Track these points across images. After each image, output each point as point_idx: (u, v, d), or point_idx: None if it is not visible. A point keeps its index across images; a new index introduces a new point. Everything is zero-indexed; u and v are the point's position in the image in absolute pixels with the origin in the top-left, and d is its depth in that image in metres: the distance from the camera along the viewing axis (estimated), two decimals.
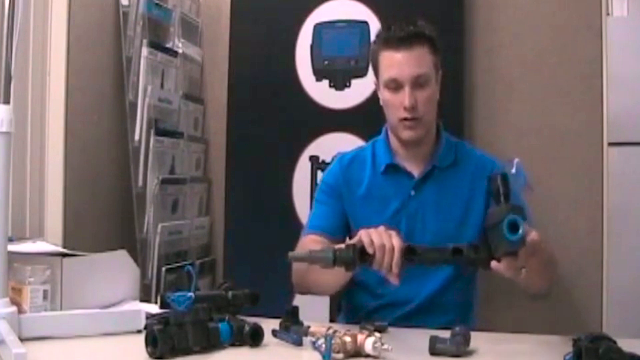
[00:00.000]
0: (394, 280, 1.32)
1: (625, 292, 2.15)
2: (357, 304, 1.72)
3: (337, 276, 1.49)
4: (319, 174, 1.84)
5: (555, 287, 1.60)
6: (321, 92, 2.46)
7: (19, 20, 1.29)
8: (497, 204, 1.24)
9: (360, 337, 1.21)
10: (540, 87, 2.39)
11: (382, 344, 1.19)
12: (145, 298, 1.97)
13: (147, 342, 1.22)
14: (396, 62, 1.60)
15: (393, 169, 1.70)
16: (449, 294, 1.67)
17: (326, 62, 2.46)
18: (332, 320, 1.83)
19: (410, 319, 1.61)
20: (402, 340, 1.35)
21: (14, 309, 1.30)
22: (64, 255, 1.57)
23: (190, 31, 2.62)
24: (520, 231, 1.18)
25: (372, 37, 1.76)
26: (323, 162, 2.40)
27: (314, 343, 1.19)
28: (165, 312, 1.34)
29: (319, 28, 2.47)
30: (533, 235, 1.25)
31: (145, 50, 2.25)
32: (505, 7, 2.43)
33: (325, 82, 2.46)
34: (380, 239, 1.32)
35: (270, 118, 2.50)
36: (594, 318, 2.21)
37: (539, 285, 1.49)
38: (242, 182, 2.52)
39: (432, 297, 1.65)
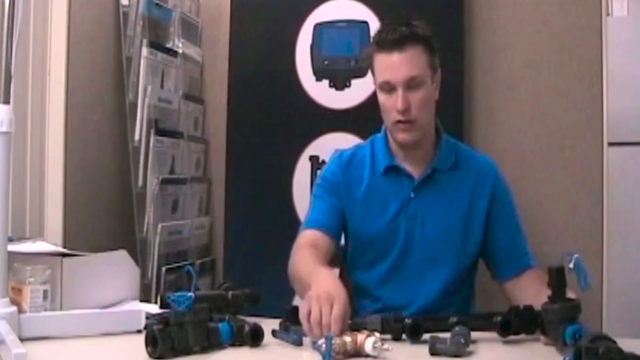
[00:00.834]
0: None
1: (625, 292, 2.16)
2: (354, 308, 1.71)
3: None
4: (319, 174, 1.84)
5: None
6: (321, 92, 2.46)
7: (19, 20, 1.29)
8: (553, 298, 1.24)
9: (360, 337, 1.21)
10: (540, 87, 2.39)
11: (382, 344, 1.19)
12: (145, 298, 1.96)
13: (147, 342, 1.22)
14: (389, 65, 1.59)
15: (393, 170, 1.69)
16: (446, 299, 1.66)
17: (326, 62, 2.46)
18: None
19: None
20: (402, 340, 1.35)
21: (14, 309, 1.30)
22: (64, 255, 1.57)
23: (190, 31, 2.62)
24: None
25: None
26: (323, 162, 2.40)
27: (314, 343, 1.19)
28: (165, 312, 1.34)
29: (319, 28, 2.47)
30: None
31: (145, 50, 2.25)
32: (505, 7, 2.43)
33: (325, 82, 2.46)
34: (317, 314, 1.26)
35: (270, 118, 2.50)
36: (594, 318, 2.21)
37: None
38: (242, 182, 2.52)
39: (430, 302, 1.64)
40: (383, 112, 1.66)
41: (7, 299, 1.30)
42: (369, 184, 1.70)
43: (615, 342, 1.07)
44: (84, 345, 1.33)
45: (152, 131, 2.24)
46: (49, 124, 2.03)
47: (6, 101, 1.27)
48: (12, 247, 1.41)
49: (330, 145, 2.33)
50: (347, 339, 1.20)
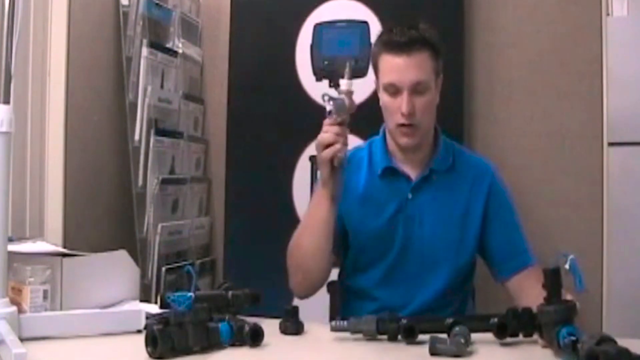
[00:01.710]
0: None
1: (625, 292, 2.16)
2: (353, 310, 1.69)
3: (314, 236, 1.59)
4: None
5: None
6: (321, 92, 2.45)
7: (19, 20, 1.29)
8: (548, 300, 1.24)
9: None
10: (540, 87, 2.39)
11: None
12: (145, 298, 1.96)
13: (147, 342, 1.22)
14: (395, 67, 1.59)
15: (390, 172, 1.69)
16: (445, 300, 1.66)
17: (326, 62, 2.46)
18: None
19: None
20: (399, 341, 1.35)
21: (14, 309, 1.30)
22: (64, 255, 1.57)
23: (190, 31, 2.62)
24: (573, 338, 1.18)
25: (372, 37, 1.75)
26: None
27: (326, 95, 1.48)
28: (165, 312, 1.34)
29: (319, 28, 2.47)
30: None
31: (145, 50, 2.25)
32: (505, 7, 2.43)
33: (325, 82, 2.46)
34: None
35: (270, 118, 2.50)
36: (594, 318, 2.21)
37: None
38: (242, 182, 2.52)
39: (428, 303, 1.64)
40: (385, 114, 1.66)
41: (7, 299, 1.30)
42: (367, 186, 1.70)
43: (616, 343, 1.08)
44: (84, 345, 1.33)
45: (152, 131, 2.24)
46: (49, 124, 2.03)
47: (6, 101, 1.27)
48: (12, 247, 1.41)
49: None
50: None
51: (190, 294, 1.28)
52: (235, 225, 2.52)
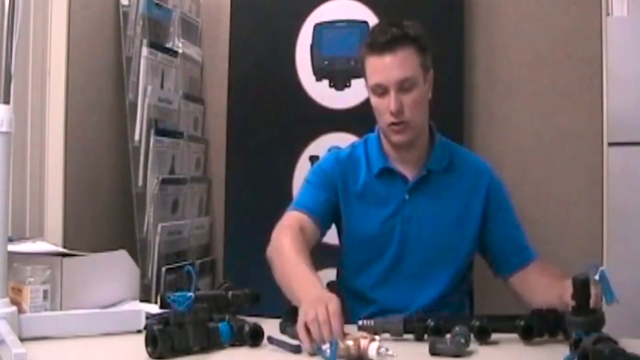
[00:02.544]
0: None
1: (625, 292, 2.14)
2: (352, 312, 1.67)
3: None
4: (314, 165, 1.84)
5: None
6: (321, 92, 2.46)
7: (19, 20, 1.29)
8: (577, 310, 1.23)
9: (363, 342, 1.19)
10: (540, 87, 2.39)
11: (387, 349, 1.18)
12: (145, 298, 1.96)
13: (147, 342, 1.22)
14: (380, 67, 1.58)
15: (387, 172, 1.69)
16: (443, 300, 1.66)
17: (326, 62, 2.46)
18: None
19: None
20: (402, 340, 1.35)
21: (14, 309, 1.30)
22: (64, 255, 1.57)
23: (190, 31, 2.62)
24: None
25: None
26: None
27: (319, 349, 1.19)
28: (165, 312, 1.35)
29: (319, 28, 2.47)
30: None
31: (145, 50, 2.25)
32: (505, 7, 2.43)
33: (325, 82, 2.46)
34: (313, 315, 1.25)
35: (270, 118, 2.50)
36: None
37: None
38: (242, 182, 2.52)
39: (427, 304, 1.62)
40: (376, 114, 1.65)
41: (7, 299, 1.30)
42: (365, 184, 1.70)
43: (616, 343, 1.07)
44: (84, 345, 1.33)
45: (152, 131, 2.24)
46: (49, 124, 2.03)
47: (6, 101, 1.28)
48: (12, 247, 1.41)
49: (330, 145, 2.33)
50: (350, 343, 1.20)
51: (190, 294, 1.28)
52: (235, 225, 2.52)
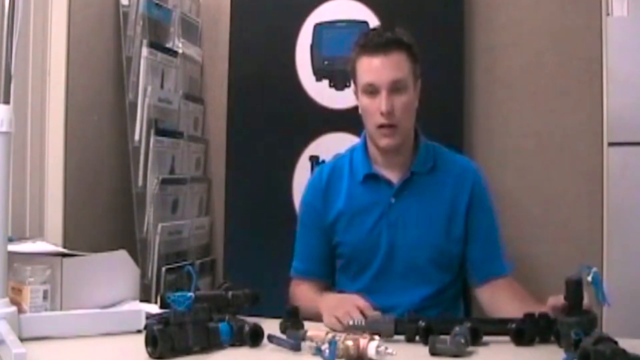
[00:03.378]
0: None
1: (625, 292, 2.15)
2: None
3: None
4: (302, 194, 1.85)
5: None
6: (321, 92, 2.46)
7: (19, 20, 1.29)
8: (569, 311, 1.25)
9: (362, 342, 1.20)
10: (540, 87, 2.39)
11: (386, 349, 1.18)
12: (145, 298, 1.96)
13: (147, 342, 1.22)
14: (374, 67, 1.59)
15: (372, 178, 1.69)
16: (432, 301, 1.66)
17: (326, 62, 2.46)
18: None
19: None
20: (402, 340, 1.35)
21: (14, 309, 1.30)
22: (64, 255, 1.57)
23: (190, 31, 2.62)
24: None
25: None
26: (323, 162, 2.40)
27: (318, 349, 1.19)
28: (165, 312, 1.35)
29: (319, 28, 2.47)
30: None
31: (145, 50, 2.24)
32: (505, 7, 2.43)
33: (325, 82, 2.46)
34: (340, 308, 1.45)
35: (270, 118, 2.50)
36: None
37: None
38: (242, 182, 2.52)
39: (415, 305, 1.62)
40: (365, 116, 1.65)
41: (7, 299, 1.30)
42: (348, 194, 1.71)
43: (616, 343, 1.07)
44: (84, 345, 1.33)
45: (152, 131, 2.24)
46: (49, 124, 2.03)
47: (6, 101, 1.28)
48: (12, 247, 1.41)
49: (330, 145, 2.34)
50: (350, 342, 1.20)
51: (190, 294, 1.28)
52: (235, 225, 2.52)
